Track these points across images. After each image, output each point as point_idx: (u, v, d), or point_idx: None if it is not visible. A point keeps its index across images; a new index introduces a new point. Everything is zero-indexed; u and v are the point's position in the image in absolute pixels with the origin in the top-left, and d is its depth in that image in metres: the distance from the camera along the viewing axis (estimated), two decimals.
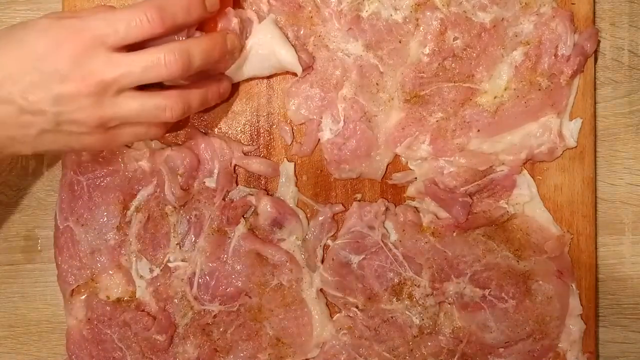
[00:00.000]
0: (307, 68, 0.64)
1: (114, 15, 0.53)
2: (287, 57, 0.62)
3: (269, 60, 0.63)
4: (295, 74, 0.64)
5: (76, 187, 0.65)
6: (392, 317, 0.66)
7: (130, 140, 0.59)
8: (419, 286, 0.66)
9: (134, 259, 0.65)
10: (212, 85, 0.61)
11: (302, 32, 0.65)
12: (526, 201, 0.66)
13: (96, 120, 0.54)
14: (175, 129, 0.66)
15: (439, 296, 0.65)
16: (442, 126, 0.65)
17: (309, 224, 0.67)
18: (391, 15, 0.64)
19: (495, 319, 0.65)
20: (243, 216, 0.66)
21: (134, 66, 0.53)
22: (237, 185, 0.67)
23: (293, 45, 0.64)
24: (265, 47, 0.62)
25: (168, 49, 0.54)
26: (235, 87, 0.66)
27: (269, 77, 0.66)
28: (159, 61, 0.53)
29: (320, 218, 0.66)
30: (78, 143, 0.55)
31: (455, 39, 0.64)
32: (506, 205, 0.66)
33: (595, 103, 0.67)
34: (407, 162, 0.67)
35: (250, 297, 0.66)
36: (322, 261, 0.66)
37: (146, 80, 0.54)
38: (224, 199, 0.66)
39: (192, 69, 0.55)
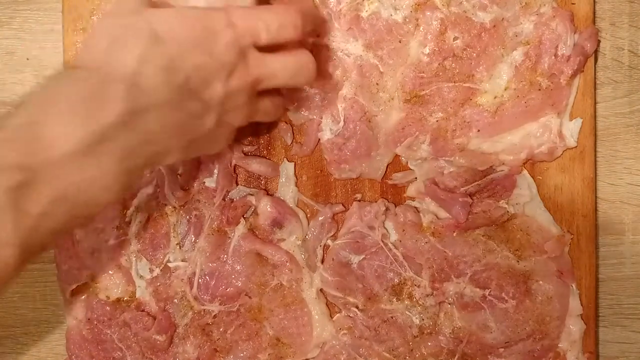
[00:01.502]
0: (332, 88, 0.64)
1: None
2: None
3: None
4: None
5: None
6: (392, 317, 0.66)
7: (270, 115, 0.60)
8: (419, 286, 0.66)
9: (134, 259, 0.65)
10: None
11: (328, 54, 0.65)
12: (526, 201, 0.66)
13: (246, 118, 0.55)
14: None
15: (439, 296, 0.65)
16: (442, 126, 0.65)
17: (309, 224, 0.67)
18: (391, 15, 0.64)
19: (495, 319, 0.65)
20: (243, 216, 0.66)
21: (284, 71, 0.56)
22: (237, 185, 0.67)
23: None
24: None
25: (306, 57, 0.57)
26: None
27: None
28: (302, 69, 0.56)
29: (320, 218, 0.66)
30: (223, 143, 0.56)
31: (455, 39, 0.64)
32: (506, 205, 0.66)
33: (595, 103, 0.67)
34: (407, 162, 0.67)
35: (250, 297, 0.66)
36: (322, 261, 0.66)
37: (288, 84, 0.58)
38: (224, 199, 0.66)
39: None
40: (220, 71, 0.51)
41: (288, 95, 0.64)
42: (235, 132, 0.59)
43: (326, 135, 0.66)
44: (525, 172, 0.66)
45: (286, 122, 0.67)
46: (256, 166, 0.66)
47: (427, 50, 0.64)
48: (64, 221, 0.46)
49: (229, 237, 0.66)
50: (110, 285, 0.65)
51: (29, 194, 0.43)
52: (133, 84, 0.47)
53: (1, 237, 0.42)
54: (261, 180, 0.67)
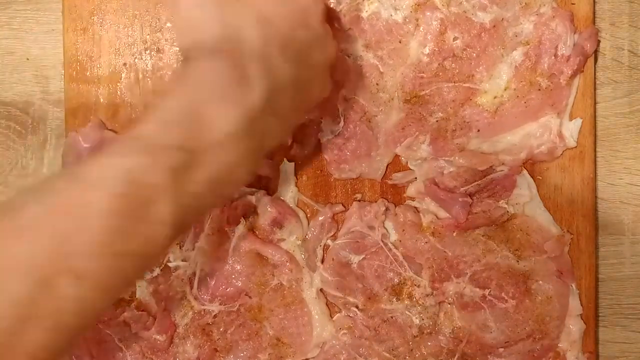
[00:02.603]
0: None
1: None
2: None
3: None
4: None
5: None
6: (392, 317, 0.66)
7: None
8: (419, 286, 0.66)
9: None
10: None
11: None
12: (526, 201, 0.66)
13: (332, 57, 0.56)
14: None
15: (439, 296, 0.65)
16: (442, 126, 0.65)
17: (309, 224, 0.67)
18: (391, 15, 0.64)
19: (495, 319, 0.65)
20: (243, 216, 0.66)
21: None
22: None
23: None
24: None
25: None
26: None
27: None
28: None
29: (320, 218, 0.66)
30: (310, 100, 0.56)
31: (455, 39, 0.64)
32: (506, 205, 0.66)
33: (595, 103, 0.67)
34: (407, 162, 0.67)
35: (250, 297, 0.66)
36: (322, 261, 0.66)
37: None
38: None
39: None
40: (319, 41, 0.54)
41: None
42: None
43: (326, 135, 0.66)
44: (525, 172, 0.66)
45: None
46: None
47: (427, 51, 0.64)
48: (211, 201, 0.48)
49: (229, 237, 0.66)
50: None
51: (189, 174, 0.44)
52: (265, 63, 0.48)
53: (161, 216, 0.43)
54: (261, 180, 0.67)
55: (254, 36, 0.49)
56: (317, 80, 0.55)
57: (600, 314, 0.69)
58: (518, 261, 0.66)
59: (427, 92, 0.65)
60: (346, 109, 0.65)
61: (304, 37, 0.52)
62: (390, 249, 0.66)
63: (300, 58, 0.52)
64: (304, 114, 0.61)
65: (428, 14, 0.64)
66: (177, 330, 0.66)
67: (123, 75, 0.66)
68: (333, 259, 0.66)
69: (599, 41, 0.66)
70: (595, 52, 0.66)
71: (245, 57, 0.48)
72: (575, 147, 0.66)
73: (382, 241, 0.66)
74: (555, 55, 0.64)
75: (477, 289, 0.65)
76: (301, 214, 0.67)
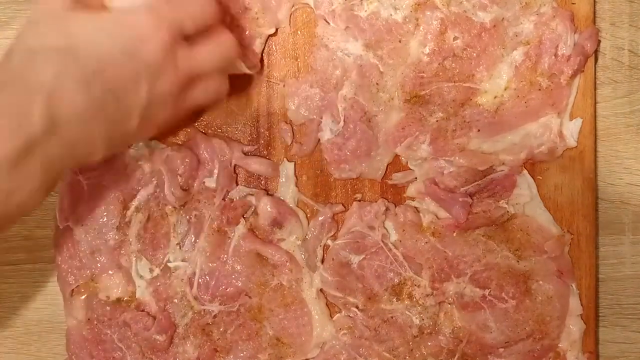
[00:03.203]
0: (254, 67, 0.64)
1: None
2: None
3: None
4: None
5: (76, 187, 0.65)
6: (392, 317, 0.66)
7: (203, 101, 0.59)
8: (419, 286, 0.66)
9: (134, 259, 0.65)
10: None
11: (247, 33, 0.65)
12: (526, 201, 0.66)
13: (180, 80, 0.55)
14: (176, 129, 0.66)
15: (439, 296, 0.65)
16: (442, 126, 0.65)
17: (309, 224, 0.67)
18: (391, 14, 0.64)
19: (495, 319, 0.65)
20: (243, 216, 0.66)
21: (212, 59, 0.58)
22: (237, 185, 0.67)
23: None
24: None
25: (229, 40, 0.59)
26: (234, 87, 0.66)
27: (269, 77, 0.66)
28: (228, 52, 0.59)
29: (320, 218, 0.66)
30: (146, 135, 0.56)
31: (455, 38, 0.64)
32: (506, 205, 0.66)
33: (595, 103, 0.67)
34: (407, 162, 0.67)
35: (250, 297, 0.66)
36: (322, 261, 0.66)
37: (216, 70, 0.59)
38: (224, 199, 0.66)
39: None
40: (147, 75, 0.52)
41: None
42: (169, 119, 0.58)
43: (326, 135, 0.66)
44: (525, 172, 0.66)
45: (286, 122, 0.67)
46: (256, 166, 0.66)
47: (427, 50, 0.64)
48: None
49: (229, 237, 0.66)
50: (110, 285, 0.65)
51: None
52: (52, 97, 0.48)
53: None
54: (261, 180, 0.67)
55: (49, 69, 0.48)
56: (135, 117, 0.53)
57: (600, 314, 0.69)
58: (518, 261, 0.66)
59: (427, 91, 0.65)
60: (346, 109, 0.65)
61: (123, 72, 0.51)
62: (390, 249, 0.66)
63: (112, 93, 0.51)
64: (148, 133, 0.59)
65: (428, 13, 0.64)
66: (177, 330, 0.66)
67: None
68: (333, 259, 0.66)
69: (599, 41, 0.66)
70: (596, 52, 0.66)
71: (30, 87, 0.48)
72: (576, 147, 0.66)
73: (382, 241, 0.66)
74: (556, 55, 0.64)
75: (477, 289, 0.65)
76: (301, 214, 0.67)
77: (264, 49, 0.66)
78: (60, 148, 0.49)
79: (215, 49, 0.58)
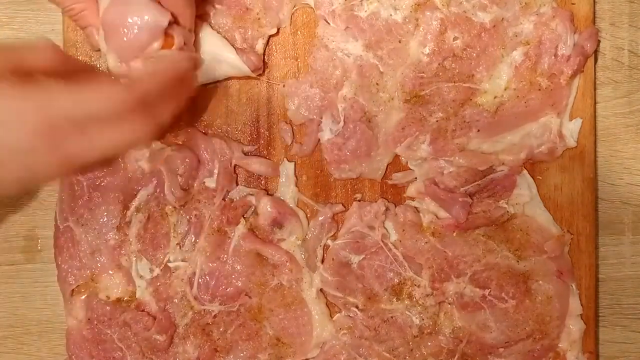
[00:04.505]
0: (257, 69, 0.64)
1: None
2: (233, 62, 0.62)
3: (219, 66, 0.63)
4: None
5: (76, 187, 0.65)
6: (392, 317, 0.66)
7: (167, 119, 0.57)
8: (419, 286, 0.66)
9: (134, 259, 0.65)
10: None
11: (249, 34, 0.65)
12: (526, 201, 0.66)
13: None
14: (176, 129, 0.66)
15: (439, 296, 0.65)
16: (442, 126, 0.65)
17: (309, 224, 0.67)
18: (391, 15, 0.64)
19: (495, 319, 0.65)
20: (243, 216, 0.66)
21: None
22: (237, 185, 0.67)
23: (242, 48, 0.64)
24: (207, 55, 0.62)
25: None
26: (235, 87, 0.66)
27: (269, 77, 0.66)
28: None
29: (320, 218, 0.66)
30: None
31: (455, 39, 0.64)
32: (506, 205, 0.66)
33: (595, 103, 0.67)
34: (407, 162, 0.67)
35: (250, 297, 0.66)
36: (322, 261, 0.66)
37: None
38: (224, 199, 0.66)
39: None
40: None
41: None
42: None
43: (326, 135, 0.66)
44: (525, 172, 0.66)
45: (286, 122, 0.67)
46: (256, 166, 0.66)
47: (427, 50, 0.64)
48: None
49: (229, 237, 0.66)
50: (110, 285, 0.65)
51: None
52: None
53: None
54: (261, 180, 0.67)
55: None
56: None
57: (600, 314, 0.69)
58: (518, 261, 0.66)
59: (427, 92, 0.65)
60: (346, 109, 0.65)
61: None
62: (390, 249, 0.66)
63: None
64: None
65: (428, 13, 0.64)
66: (177, 330, 0.66)
67: None
68: (333, 259, 0.66)
69: (599, 41, 0.66)
70: (595, 52, 0.66)
71: None
72: (576, 147, 0.66)
73: (382, 241, 0.66)
74: (556, 55, 0.64)
75: (477, 289, 0.65)
76: (301, 214, 0.67)
77: (265, 49, 0.66)
78: None
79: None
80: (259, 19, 0.65)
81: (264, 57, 0.66)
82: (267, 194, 0.66)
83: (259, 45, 0.65)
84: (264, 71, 0.66)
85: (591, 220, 0.67)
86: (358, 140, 0.65)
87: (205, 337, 0.66)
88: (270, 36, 0.66)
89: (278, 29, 0.66)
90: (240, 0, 0.64)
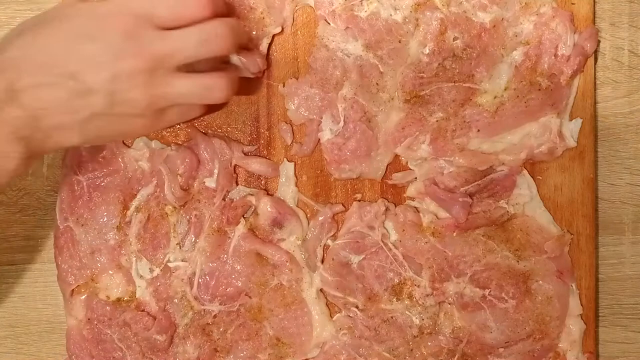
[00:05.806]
0: (260, 71, 0.64)
1: None
2: (236, 62, 0.62)
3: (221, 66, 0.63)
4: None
5: (76, 187, 0.65)
6: (392, 317, 0.66)
7: (174, 121, 0.58)
8: (419, 286, 0.66)
9: (134, 259, 0.65)
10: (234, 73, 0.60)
11: (254, 34, 0.65)
12: (526, 201, 0.66)
13: (148, 98, 0.53)
14: (175, 129, 0.66)
15: (439, 296, 0.65)
16: (442, 126, 0.65)
17: (309, 224, 0.67)
18: (391, 15, 0.64)
19: (495, 319, 0.65)
20: (243, 216, 0.66)
21: (187, 41, 0.53)
22: (237, 185, 0.67)
23: (247, 48, 0.63)
24: None
25: (216, 23, 0.54)
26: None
27: (269, 77, 0.66)
28: (210, 35, 0.54)
29: (320, 218, 0.66)
30: (128, 126, 0.55)
31: (455, 39, 0.64)
32: (506, 205, 0.66)
33: (595, 103, 0.67)
34: (407, 162, 0.67)
35: (250, 297, 0.66)
36: (322, 261, 0.66)
37: (200, 55, 0.54)
38: (224, 199, 0.66)
39: (238, 44, 0.57)
40: (106, 55, 0.52)
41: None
42: (155, 124, 0.57)
43: (326, 135, 0.66)
44: (525, 172, 0.66)
45: (286, 122, 0.67)
46: (256, 166, 0.66)
47: (427, 50, 0.64)
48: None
49: (229, 237, 0.66)
50: (110, 285, 0.65)
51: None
52: (6, 66, 0.51)
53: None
54: (261, 180, 0.67)
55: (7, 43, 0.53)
56: (97, 96, 0.53)
57: (600, 314, 0.69)
58: (518, 261, 0.66)
59: (427, 92, 0.65)
60: (346, 109, 0.65)
61: (82, 53, 0.52)
62: (390, 249, 0.66)
63: (75, 72, 0.52)
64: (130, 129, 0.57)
65: (428, 13, 0.64)
66: (177, 330, 0.66)
67: None
68: (333, 259, 0.66)
69: (599, 41, 0.66)
70: (595, 52, 0.66)
71: None
72: (576, 147, 0.66)
73: (382, 241, 0.66)
74: (556, 55, 0.64)
75: (477, 289, 0.65)
76: (301, 214, 0.67)
77: (268, 49, 0.66)
78: (22, 114, 0.51)
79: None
80: (263, 18, 0.65)
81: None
82: (267, 194, 0.66)
83: (263, 45, 0.65)
84: (264, 71, 0.66)
85: (591, 220, 0.67)
86: (358, 140, 0.65)
87: (205, 337, 0.66)
88: (274, 35, 0.66)
89: (282, 28, 0.65)
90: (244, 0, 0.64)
